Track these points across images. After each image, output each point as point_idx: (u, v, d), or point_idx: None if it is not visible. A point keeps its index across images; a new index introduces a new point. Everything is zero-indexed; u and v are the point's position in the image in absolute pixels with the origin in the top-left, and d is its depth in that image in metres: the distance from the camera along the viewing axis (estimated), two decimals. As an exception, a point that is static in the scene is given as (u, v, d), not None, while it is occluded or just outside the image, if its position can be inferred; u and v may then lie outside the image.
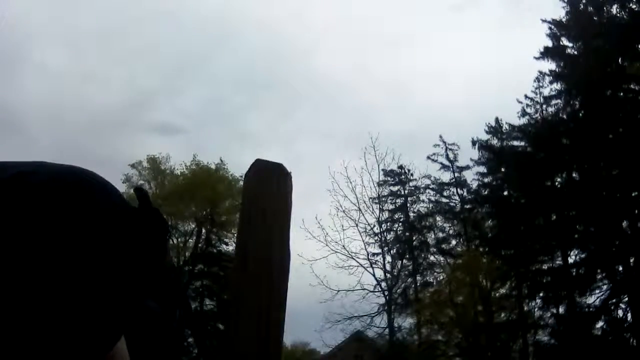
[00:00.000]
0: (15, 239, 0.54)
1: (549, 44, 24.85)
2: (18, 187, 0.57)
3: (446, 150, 30.92)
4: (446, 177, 30.88)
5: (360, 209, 27.20)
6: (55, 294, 0.54)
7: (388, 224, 29.77)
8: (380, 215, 28.76)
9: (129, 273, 0.60)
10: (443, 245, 29.81)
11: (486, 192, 28.14)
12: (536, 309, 24.09)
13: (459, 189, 30.69)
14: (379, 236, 28.52)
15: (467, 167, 30.12)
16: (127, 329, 0.63)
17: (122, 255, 0.60)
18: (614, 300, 21.13)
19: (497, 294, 25.07)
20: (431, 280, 29.21)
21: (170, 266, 0.79)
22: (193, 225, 31.74)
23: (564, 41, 24.89)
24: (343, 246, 26.36)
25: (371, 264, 27.17)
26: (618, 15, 23.08)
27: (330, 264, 26.31)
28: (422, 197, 31.14)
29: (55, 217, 0.56)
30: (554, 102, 25.07)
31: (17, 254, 0.54)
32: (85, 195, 0.60)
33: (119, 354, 0.65)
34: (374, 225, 28.12)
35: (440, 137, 31.03)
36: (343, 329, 25.84)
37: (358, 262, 26.56)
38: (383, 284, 26.98)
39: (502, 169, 27.07)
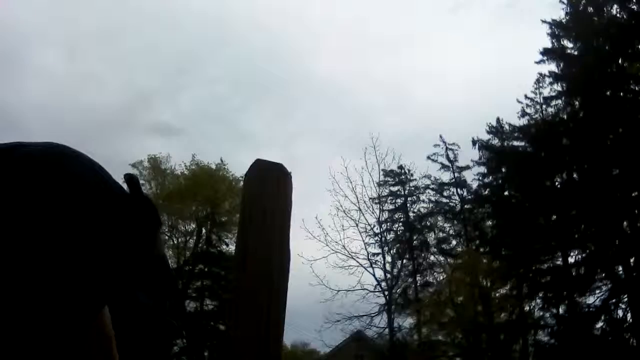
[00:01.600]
0: None
1: (549, 44, 24.87)
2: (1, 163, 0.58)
3: (446, 150, 30.98)
4: (446, 177, 30.96)
5: (360, 209, 27.27)
6: (34, 264, 0.55)
7: (388, 224, 29.81)
8: (380, 215, 28.82)
9: (111, 247, 0.60)
10: (443, 245, 29.85)
11: (486, 192, 28.14)
12: (536, 309, 24.10)
13: (459, 189, 30.74)
14: (379, 236, 28.57)
15: (467, 167, 30.17)
16: (107, 303, 0.63)
17: (103, 228, 0.59)
18: (614, 300, 21.11)
19: (497, 294, 25.05)
20: (431, 280, 29.25)
21: (162, 257, 0.79)
22: (193, 225, 31.78)
23: (564, 42, 24.88)
24: (343, 246, 26.43)
25: (371, 264, 27.23)
26: (618, 15, 23.06)
27: (330, 264, 26.37)
28: (422, 197, 31.22)
29: (37, 190, 0.57)
30: (554, 102, 25.08)
31: None
32: (66, 167, 0.60)
33: (103, 326, 0.65)
34: (374, 225, 28.19)
35: (441, 137, 31.12)
36: (343, 329, 25.90)
37: (358, 262, 26.61)
38: (383, 284, 27.02)
39: (502, 169, 27.05)
